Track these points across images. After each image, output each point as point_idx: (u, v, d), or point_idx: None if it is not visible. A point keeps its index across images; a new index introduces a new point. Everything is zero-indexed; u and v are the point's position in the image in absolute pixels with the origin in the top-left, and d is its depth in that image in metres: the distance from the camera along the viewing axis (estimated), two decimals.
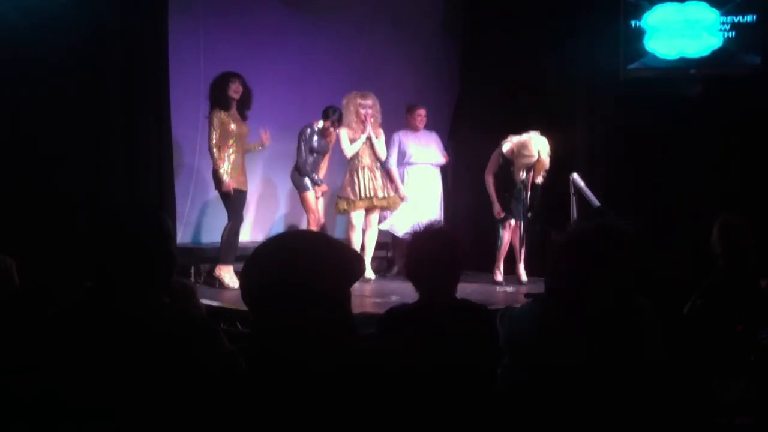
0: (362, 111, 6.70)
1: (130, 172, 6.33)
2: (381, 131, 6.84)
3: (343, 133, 6.74)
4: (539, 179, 6.58)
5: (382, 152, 6.83)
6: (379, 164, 6.86)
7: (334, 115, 6.72)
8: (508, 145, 6.55)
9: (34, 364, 1.95)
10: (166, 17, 6.53)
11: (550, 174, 6.67)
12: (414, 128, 7.22)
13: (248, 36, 7.51)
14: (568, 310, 1.77)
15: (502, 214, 6.64)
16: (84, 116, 6.13)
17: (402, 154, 7.16)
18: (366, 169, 6.75)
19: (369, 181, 6.74)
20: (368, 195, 6.72)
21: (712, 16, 7.14)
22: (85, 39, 6.07)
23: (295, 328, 1.53)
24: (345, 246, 1.69)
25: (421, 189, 7.20)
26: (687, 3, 7.18)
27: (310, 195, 6.75)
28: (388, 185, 6.89)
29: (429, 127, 7.33)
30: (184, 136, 6.99)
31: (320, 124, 6.75)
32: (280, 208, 8.09)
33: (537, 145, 6.42)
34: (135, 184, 6.32)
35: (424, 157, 7.21)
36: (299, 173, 6.78)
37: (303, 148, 6.73)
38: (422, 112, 7.19)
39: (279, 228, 8.04)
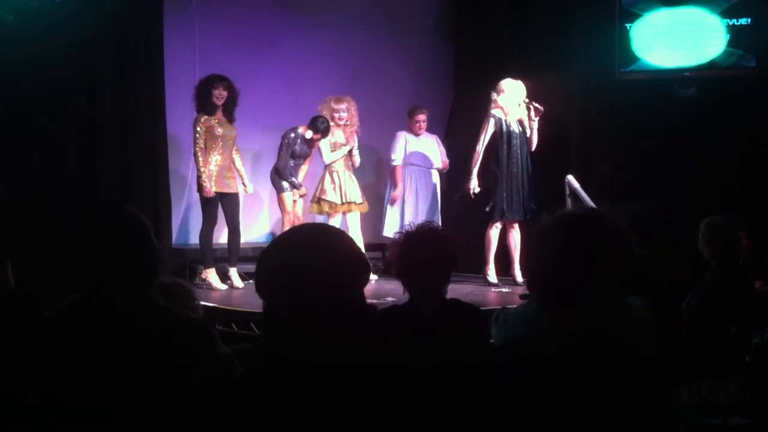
0: (335, 115, 6.79)
1: (125, 173, 6.32)
2: (355, 137, 6.88)
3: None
4: (534, 123, 6.53)
5: (357, 160, 6.95)
6: (354, 169, 6.93)
7: (322, 126, 6.72)
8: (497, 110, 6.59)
9: (32, 365, 1.95)
10: (161, 18, 6.52)
11: (545, 176, 6.67)
12: (414, 132, 7.23)
13: (243, 36, 7.50)
14: (550, 292, 1.77)
15: (475, 191, 6.59)
16: (79, 118, 6.12)
17: (403, 155, 7.17)
18: (343, 173, 6.84)
19: (346, 185, 6.82)
20: (347, 200, 6.79)
21: (708, 19, 7.15)
22: (80, 39, 6.05)
23: (302, 326, 1.53)
24: (357, 246, 1.68)
25: (419, 191, 7.21)
26: (682, 7, 7.19)
27: (287, 196, 6.79)
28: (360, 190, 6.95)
29: (426, 128, 7.32)
30: (179, 137, 6.98)
31: (308, 134, 6.75)
32: (277, 210, 8.07)
33: (516, 85, 6.56)
34: (130, 184, 6.31)
35: (422, 160, 7.22)
36: (278, 175, 6.83)
37: (285, 151, 6.77)
38: (421, 117, 7.19)
39: (278, 231, 8.03)
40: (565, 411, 1.64)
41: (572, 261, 1.73)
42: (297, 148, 6.79)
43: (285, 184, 6.78)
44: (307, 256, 1.56)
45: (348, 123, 6.87)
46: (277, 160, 6.84)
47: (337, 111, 6.83)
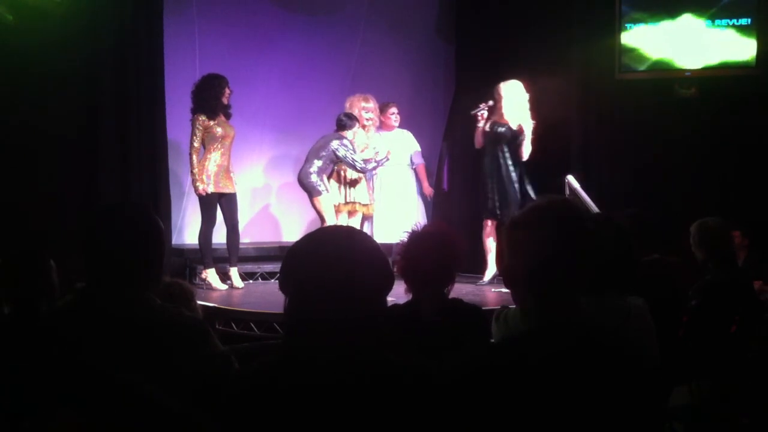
0: (365, 115, 6.68)
1: (125, 173, 6.32)
2: (374, 133, 6.81)
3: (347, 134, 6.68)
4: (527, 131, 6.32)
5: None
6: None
7: (352, 123, 6.54)
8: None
9: (29, 364, 1.95)
10: (161, 18, 6.53)
11: (545, 177, 6.66)
12: (388, 127, 7.05)
13: (243, 36, 7.51)
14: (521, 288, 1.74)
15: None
16: (79, 118, 6.12)
17: None
18: (351, 172, 6.66)
19: (354, 185, 6.68)
20: (351, 200, 6.66)
21: (702, 25, 7.14)
22: (81, 40, 6.06)
23: (324, 332, 1.51)
24: (383, 252, 1.65)
25: (392, 190, 7.05)
26: (679, 16, 7.18)
27: (324, 199, 6.49)
28: (371, 191, 6.84)
29: (423, 127, 7.28)
30: (178, 138, 6.97)
31: (350, 134, 6.51)
32: (277, 210, 8.08)
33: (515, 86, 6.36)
34: (130, 185, 6.31)
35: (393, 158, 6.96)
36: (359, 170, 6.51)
37: (355, 156, 6.48)
38: (393, 110, 7.02)
39: (277, 230, 8.04)
40: (565, 409, 1.63)
41: (555, 253, 1.70)
42: None
43: (321, 186, 6.45)
44: (339, 261, 1.54)
45: (372, 125, 6.72)
46: (355, 167, 6.49)
47: (367, 111, 6.65)
